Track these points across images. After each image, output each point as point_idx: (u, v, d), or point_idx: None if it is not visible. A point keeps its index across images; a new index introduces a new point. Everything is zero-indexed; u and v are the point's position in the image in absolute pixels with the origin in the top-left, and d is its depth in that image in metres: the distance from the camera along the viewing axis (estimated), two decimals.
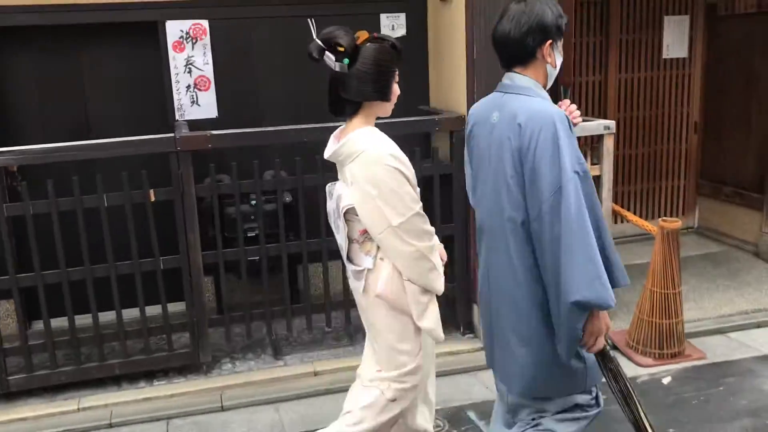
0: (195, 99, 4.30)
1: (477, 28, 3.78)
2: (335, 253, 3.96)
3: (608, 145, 4.17)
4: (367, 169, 2.35)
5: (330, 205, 2.54)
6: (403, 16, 4.48)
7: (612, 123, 4.13)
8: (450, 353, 4.02)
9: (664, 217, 3.98)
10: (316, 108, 4.38)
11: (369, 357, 2.65)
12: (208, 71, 4.30)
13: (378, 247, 2.44)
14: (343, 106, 2.43)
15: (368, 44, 2.36)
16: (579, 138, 4.48)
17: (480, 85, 3.81)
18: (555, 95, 4.78)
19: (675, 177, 6.04)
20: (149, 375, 3.87)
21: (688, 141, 5.99)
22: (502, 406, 2.53)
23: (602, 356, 2.23)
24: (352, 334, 4.24)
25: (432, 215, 4.08)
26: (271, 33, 4.38)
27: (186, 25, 4.21)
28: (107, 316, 3.85)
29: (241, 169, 3.71)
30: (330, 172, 3.76)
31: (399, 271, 2.42)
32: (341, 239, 2.51)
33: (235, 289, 4.26)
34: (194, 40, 4.24)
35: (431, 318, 2.49)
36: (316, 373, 3.87)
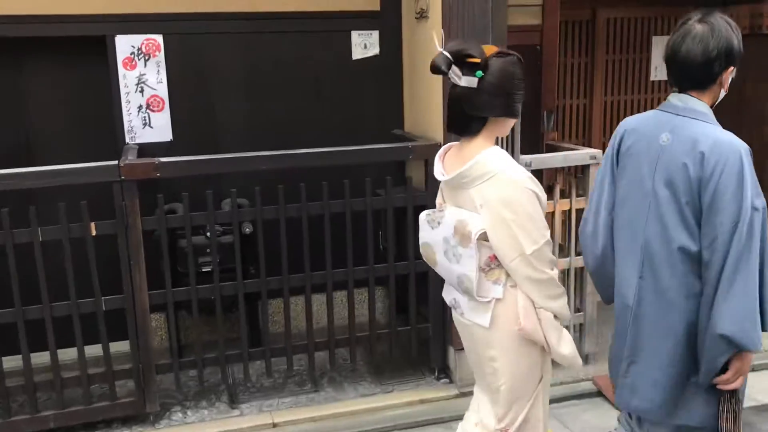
0: (147, 121, 3.94)
1: None
2: (297, 289, 3.70)
3: (595, 176, 3.86)
4: (504, 192, 2.20)
5: (435, 235, 2.35)
6: (376, 33, 4.16)
7: (599, 153, 3.83)
8: (422, 401, 3.69)
9: None
10: (280, 131, 4.20)
11: (485, 404, 2.47)
12: (162, 90, 3.94)
13: (507, 275, 2.27)
14: (467, 124, 2.27)
15: (496, 57, 2.22)
16: (563, 169, 4.24)
17: None
18: (538, 120, 4.51)
19: None
20: (89, 427, 3.49)
21: None
22: None
23: (731, 394, 2.24)
24: (317, 379, 3.89)
25: (405, 250, 3.78)
26: (232, 50, 4.04)
27: (137, 40, 3.86)
28: (42, 358, 3.46)
29: (196, 198, 3.35)
30: (294, 202, 3.47)
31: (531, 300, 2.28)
32: (465, 269, 2.26)
33: (189, 329, 3.89)
34: (147, 57, 3.88)
35: (570, 345, 2.37)
36: (275, 425, 3.51)
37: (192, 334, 3.84)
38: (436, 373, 3.89)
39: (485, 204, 2.22)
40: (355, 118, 4.21)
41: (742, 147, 2.09)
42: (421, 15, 3.80)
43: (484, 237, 2.22)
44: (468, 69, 2.18)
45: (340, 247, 3.57)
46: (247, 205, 3.62)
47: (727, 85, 2.25)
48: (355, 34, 4.14)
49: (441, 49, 2.19)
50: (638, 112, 5.54)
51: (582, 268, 3.86)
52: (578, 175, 4.01)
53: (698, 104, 2.21)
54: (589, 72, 5.34)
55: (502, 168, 2.21)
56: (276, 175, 3.51)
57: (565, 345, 2.35)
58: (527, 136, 4.24)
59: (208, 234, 3.57)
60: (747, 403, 3.67)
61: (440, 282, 3.74)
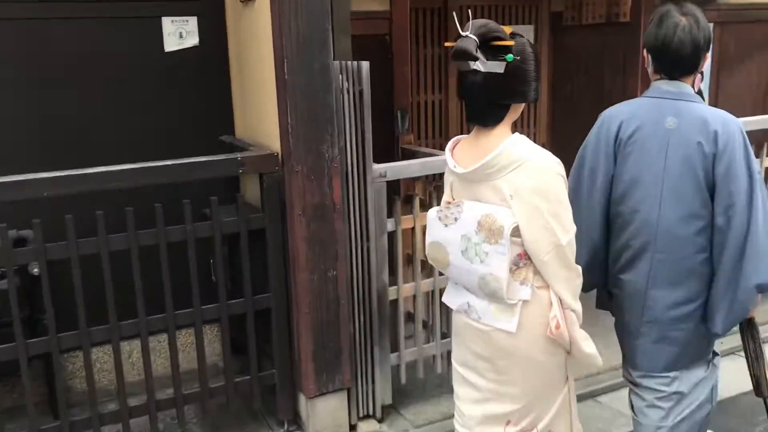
0: None
1: (289, 38, 2.83)
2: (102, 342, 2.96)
3: None
4: (536, 180, 2.06)
5: (450, 233, 2.18)
6: (194, 20, 3.43)
7: None
8: None
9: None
10: (71, 145, 3.25)
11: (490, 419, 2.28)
12: None
13: (534, 275, 2.13)
14: (491, 113, 2.10)
15: (517, 39, 2.04)
16: (420, 178, 3.71)
17: (296, 112, 2.87)
18: (391, 122, 3.97)
19: None
20: None
21: None
22: (645, 402, 2.57)
23: (749, 321, 2.52)
24: None
25: (239, 284, 3.12)
26: (5, 41, 3.18)
27: None
28: None
29: None
30: (91, 235, 2.72)
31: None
32: (492, 268, 2.08)
33: None
34: None
35: (591, 343, 2.24)
36: None
37: None
38: (286, 426, 3.27)
39: (516, 194, 2.06)
40: (172, 124, 3.46)
41: (739, 122, 2.35)
42: None
43: (514, 232, 2.06)
44: (492, 53, 1.99)
45: (158, 286, 2.85)
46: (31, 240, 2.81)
47: (703, 69, 2.44)
48: (167, 21, 3.38)
49: (465, 33, 1.98)
50: None
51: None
52: (438, 183, 3.50)
53: (689, 89, 2.40)
54: (444, 65, 4.89)
55: (530, 154, 2.07)
56: (67, 201, 2.72)
57: (588, 344, 2.22)
58: (379, 140, 3.68)
59: None
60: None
61: (285, 321, 3.15)
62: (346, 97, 3.04)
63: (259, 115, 3.24)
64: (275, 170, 2.99)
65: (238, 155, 2.99)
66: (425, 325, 3.54)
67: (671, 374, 2.50)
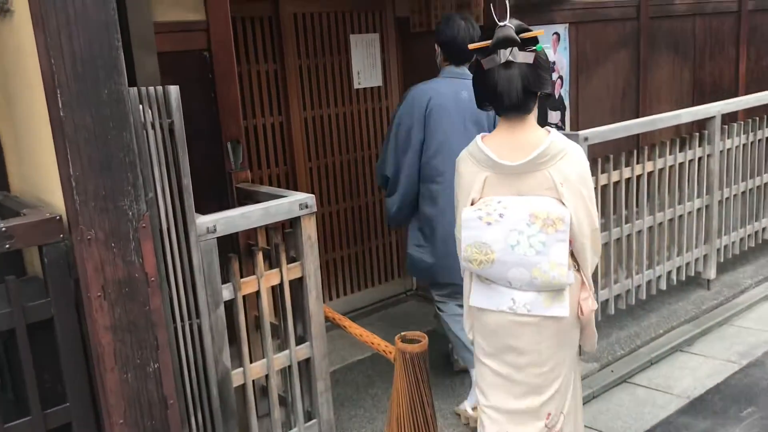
0: None
1: (61, 61, 2.07)
2: None
3: (309, 231, 2.72)
4: (579, 168, 2.24)
5: (496, 231, 2.19)
6: None
7: (311, 198, 2.69)
8: None
9: (404, 333, 2.66)
10: None
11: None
12: None
13: (571, 257, 2.26)
14: (525, 102, 2.20)
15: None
16: (267, 227, 3.00)
17: (80, 159, 2.10)
18: (219, 157, 3.25)
19: (386, 233, 4.88)
20: None
21: None
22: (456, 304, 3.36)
23: None
24: None
25: (22, 393, 2.29)
26: None
27: None
28: None
29: None
30: None
31: None
32: (552, 257, 2.16)
33: None
34: None
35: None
36: None
37: None
38: None
39: (566, 182, 2.20)
40: None
41: None
42: (2, 8, 2.32)
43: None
44: (519, 44, 2.17)
45: None
46: None
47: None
48: None
49: (503, 23, 2.16)
50: (345, 126, 4.60)
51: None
52: (286, 229, 2.83)
53: (467, 71, 3.31)
54: (281, 82, 4.22)
55: (571, 145, 2.25)
56: None
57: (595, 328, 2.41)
58: (205, 182, 2.96)
59: None
60: None
61: None
62: (152, 133, 2.33)
63: (37, 164, 2.43)
64: (60, 239, 2.20)
65: (2, 225, 2.16)
66: (283, 401, 2.87)
67: None
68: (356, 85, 4.51)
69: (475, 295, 2.33)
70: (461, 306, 2.94)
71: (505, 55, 2.13)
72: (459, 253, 2.31)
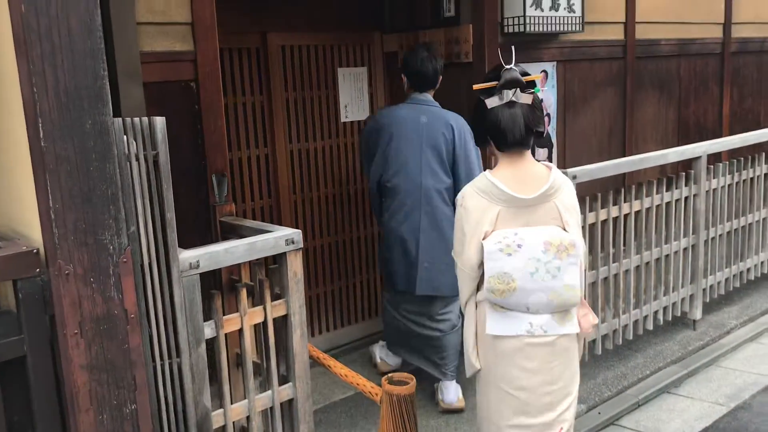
0: None
1: (44, 90, 2.01)
2: None
3: (295, 267, 2.65)
4: (574, 197, 2.52)
5: (516, 260, 2.37)
6: None
7: (297, 234, 2.63)
8: None
9: (391, 375, 2.58)
10: None
11: None
12: None
13: None
14: (527, 139, 2.43)
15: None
16: (251, 262, 2.92)
17: (60, 191, 2.04)
18: (203, 190, 3.18)
19: (372, 269, 4.81)
20: None
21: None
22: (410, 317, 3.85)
23: None
24: None
25: None
26: None
27: None
28: None
29: None
30: None
31: None
32: (567, 279, 2.39)
33: None
34: None
35: None
36: None
37: None
38: None
39: (567, 211, 2.45)
40: None
41: (465, 120, 3.57)
42: None
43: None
44: (523, 86, 2.41)
45: None
46: None
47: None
48: None
49: (509, 66, 2.41)
50: (331, 159, 4.55)
51: None
52: (270, 265, 2.76)
53: (432, 99, 3.75)
54: (267, 114, 4.18)
55: (565, 177, 2.52)
56: None
57: None
58: (189, 214, 2.89)
59: None
60: None
61: None
62: (136, 165, 2.26)
63: (15, 195, 2.35)
64: (36, 274, 2.12)
65: None
66: None
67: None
68: (343, 119, 4.48)
69: (491, 324, 2.46)
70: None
71: (509, 95, 2.35)
72: (464, 280, 2.52)
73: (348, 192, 4.59)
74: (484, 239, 2.39)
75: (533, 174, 2.43)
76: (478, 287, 2.49)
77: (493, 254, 2.36)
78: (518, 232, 2.38)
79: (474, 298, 2.52)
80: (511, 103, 2.36)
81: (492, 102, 2.37)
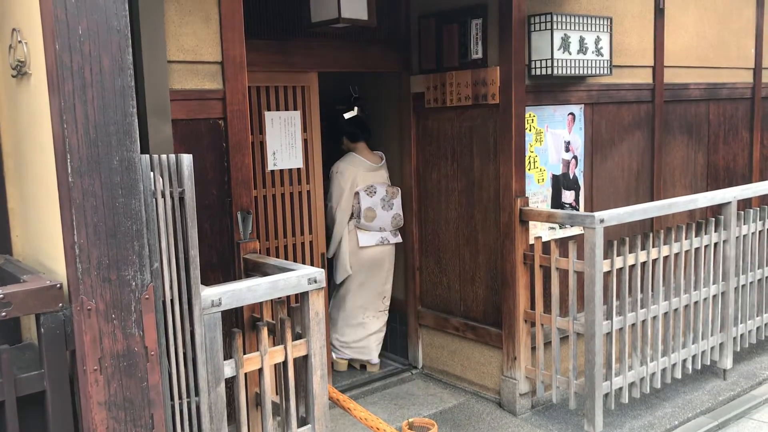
0: None
1: (73, 126, 2.03)
2: None
3: (317, 306, 2.63)
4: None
5: (376, 197, 4.52)
6: None
7: (320, 273, 2.61)
8: None
9: (412, 420, 2.53)
10: None
11: None
12: None
13: None
14: (368, 135, 4.88)
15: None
16: (272, 300, 2.81)
17: (85, 226, 2.04)
18: (227, 227, 3.18)
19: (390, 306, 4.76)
20: None
21: (406, 263, 4.81)
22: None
23: None
24: None
25: None
26: None
27: None
28: None
29: None
30: None
31: None
32: (398, 210, 4.62)
33: None
34: None
35: None
36: None
37: None
38: None
39: (387, 170, 4.74)
40: None
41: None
42: (20, 71, 2.31)
43: None
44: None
45: None
46: None
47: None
48: None
49: (356, 95, 5.08)
50: (263, 210, 4.53)
51: None
52: (293, 305, 2.74)
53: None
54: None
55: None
56: None
57: None
58: (213, 251, 2.89)
59: None
60: None
61: None
62: (162, 201, 2.27)
63: (41, 228, 2.37)
64: (58, 308, 2.12)
65: (0, 292, 2.08)
66: None
67: None
68: (270, 167, 4.08)
69: (362, 239, 4.50)
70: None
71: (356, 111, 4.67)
72: (341, 221, 4.55)
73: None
74: (357, 189, 4.45)
75: (373, 154, 4.64)
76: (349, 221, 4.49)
77: (362, 196, 4.42)
78: (372, 184, 4.49)
79: (347, 228, 4.48)
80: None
81: (348, 115, 4.12)
